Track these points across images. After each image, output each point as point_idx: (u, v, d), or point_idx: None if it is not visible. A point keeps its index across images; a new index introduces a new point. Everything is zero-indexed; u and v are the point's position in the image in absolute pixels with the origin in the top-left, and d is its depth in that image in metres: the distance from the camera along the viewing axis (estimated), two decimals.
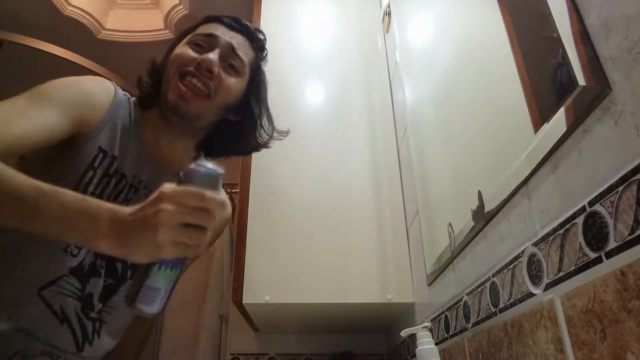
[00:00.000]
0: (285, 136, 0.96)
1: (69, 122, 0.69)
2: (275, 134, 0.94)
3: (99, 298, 0.76)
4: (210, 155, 0.91)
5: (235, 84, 0.84)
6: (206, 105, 0.80)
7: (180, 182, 0.54)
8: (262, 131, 0.93)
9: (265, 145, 0.94)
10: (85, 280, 0.74)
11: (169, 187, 0.53)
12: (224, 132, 0.89)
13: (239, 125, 0.90)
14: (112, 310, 0.79)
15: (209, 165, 0.55)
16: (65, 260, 0.71)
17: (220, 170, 0.56)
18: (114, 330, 0.81)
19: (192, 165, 0.55)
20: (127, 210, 0.54)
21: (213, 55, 0.80)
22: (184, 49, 0.82)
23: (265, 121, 0.93)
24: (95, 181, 0.73)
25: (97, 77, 0.82)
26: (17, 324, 0.67)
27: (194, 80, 0.79)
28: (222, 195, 0.56)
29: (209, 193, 0.53)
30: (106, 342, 0.79)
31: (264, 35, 0.93)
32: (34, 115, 0.65)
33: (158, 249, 0.51)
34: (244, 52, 0.86)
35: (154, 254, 0.52)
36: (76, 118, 0.71)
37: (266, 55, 0.94)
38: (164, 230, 0.50)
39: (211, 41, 0.83)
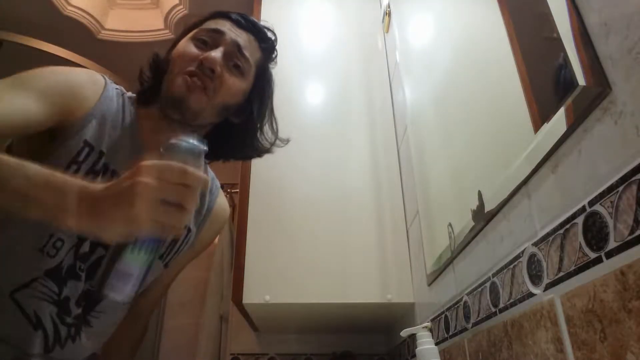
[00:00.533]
0: (285, 144, 0.92)
1: (49, 109, 0.65)
2: (277, 141, 0.91)
3: (77, 302, 0.72)
4: (209, 158, 0.87)
5: (237, 84, 0.79)
6: (205, 101, 0.75)
7: (160, 156, 0.51)
8: (263, 137, 0.88)
9: (267, 150, 0.90)
10: (63, 283, 0.69)
11: (148, 160, 0.50)
12: (224, 135, 0.85)
13: (240, 128, 0.86)
14: (100, 315, 0.75)
15: (192, 140, 0.52)
16: (41, 261, 0.67)
17: (203, 146, 0.53)
18: (99, 334, 0.78)
19: (174, 140, 0.52)
20: (100, 184, 0.51)
21: (216, 54, 0.75)
22: (187, 46, 0.78)
23: (267, 126, 0.89)
24: (79, 176, 0.67)
25: (87, 70, 0.77)
26: None
27: (194, 79, 0.74)
28: (204, 174, 0.53)
29: (191, 169, 0.50)
30: (86, 346, 0.75)
31: (274, 35, 0.88)
32: (11, 100, 0.61)
33: (133, 225, 0.48)
34: (251, 51, 0.81)
35: (128, 230, 0.49)
36: (58, 107, 0.67)
37: (275, 56, 0.89)
38: (140, 204, 0.47)
39: (216, 38, 0.78)
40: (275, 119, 0.91)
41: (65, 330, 0.71)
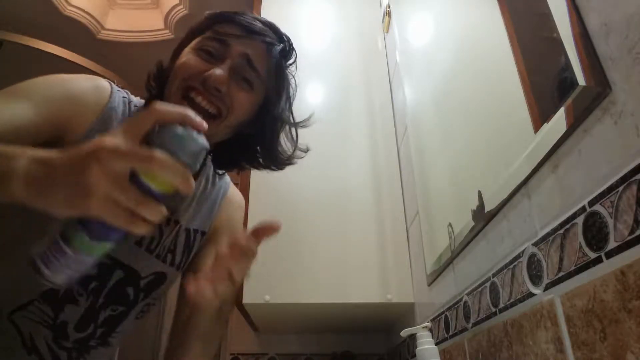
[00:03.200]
0: (305, 153, 0.86)
1: (42, 119, 0.60)
2: (297, 152, 0.83)
3: (77, 327, 0.68)
4: (222, 168, 0.83)
5: (248, 99, 0.72)
6: (213, 127, 0.66)
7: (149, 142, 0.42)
8: (280, 148, 0.81)
9: (287, 162, 0.83)
10: (59, 307, 0.66)
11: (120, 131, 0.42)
12: (235, 146, 0.78)
13: (253, 138, 0.79)
14: (120, 334, 0.74)
15: (194, 134, 0.44)
16: (38, 283, 0.64)
17: (205, 143, 0.45)
18: (114, 348, 0.76)
19: (170, 126, 0.43)
20: (60, 151, 0.43)
21: (220, 71, 0.67)
22: (190, 57, 0.70)
23: (283, 136, 0.81)
24: None
25: (92, 77, 0.71)
26: None
27: (199, 99, 0.67)
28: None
29: (176, 166, 0.41)
30: None
31: (289, 40, 0.80)
32: (2, 107, 0.57)
33: (85, 199, 0.39)
34: (261, 61, 0.73)
35: (79, 206, 0.40)
36: (54, 116, 0.62)
37: (294, 61, 0.82)
38: (99, 175, 0.39)
39: (223, 49, 0.70)
40: (295, 127, 0.84)
41: (65, 355, 0.68)
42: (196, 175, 0.80)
